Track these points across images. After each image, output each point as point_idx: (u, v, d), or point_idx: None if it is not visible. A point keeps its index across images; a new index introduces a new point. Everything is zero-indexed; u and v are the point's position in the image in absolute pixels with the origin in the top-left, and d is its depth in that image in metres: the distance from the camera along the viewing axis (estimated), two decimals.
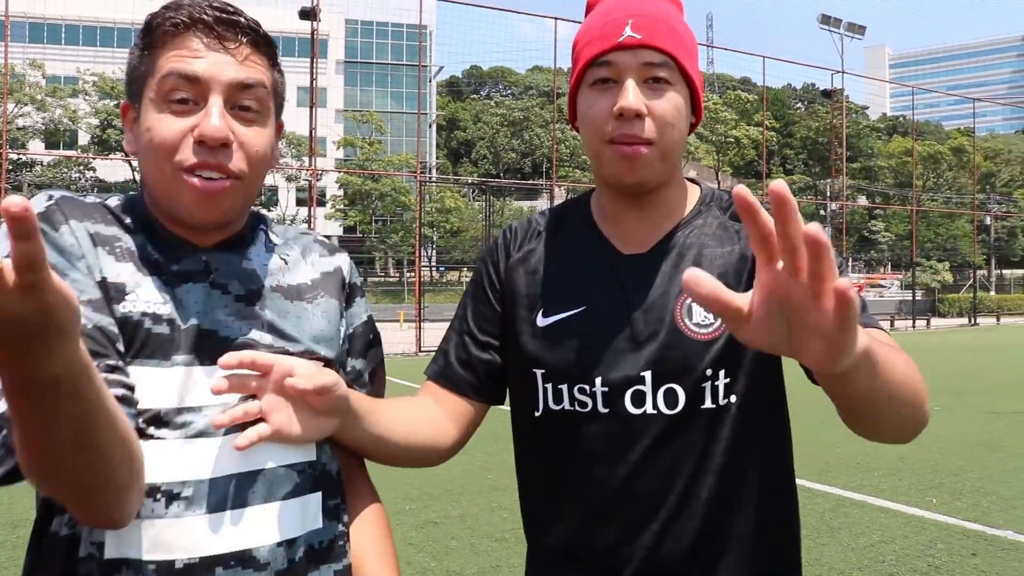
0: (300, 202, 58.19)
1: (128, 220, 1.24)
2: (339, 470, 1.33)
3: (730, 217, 1.45)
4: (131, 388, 1.11)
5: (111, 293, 1.15)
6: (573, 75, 1.43)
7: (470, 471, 7.80)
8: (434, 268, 57.94)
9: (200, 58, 1.19)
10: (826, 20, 41.03)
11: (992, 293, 57.73)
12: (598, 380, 1.36)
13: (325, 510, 1.27)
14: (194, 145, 1.18)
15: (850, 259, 69.79)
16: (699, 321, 1.34)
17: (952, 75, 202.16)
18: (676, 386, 1.33)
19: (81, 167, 49.80)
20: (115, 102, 48.93)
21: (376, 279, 63.51)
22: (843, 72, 38.79)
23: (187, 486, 1.13)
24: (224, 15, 1.21)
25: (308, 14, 24.85)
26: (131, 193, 1.31)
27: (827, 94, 40.49)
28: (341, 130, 64.13)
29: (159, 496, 1.12)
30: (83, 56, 58.06)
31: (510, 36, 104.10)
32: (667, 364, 1.33)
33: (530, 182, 53.16)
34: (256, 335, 1.24)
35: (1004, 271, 70.68)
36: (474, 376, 1.50)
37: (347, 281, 1.41)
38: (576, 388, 1.38)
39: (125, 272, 1.18)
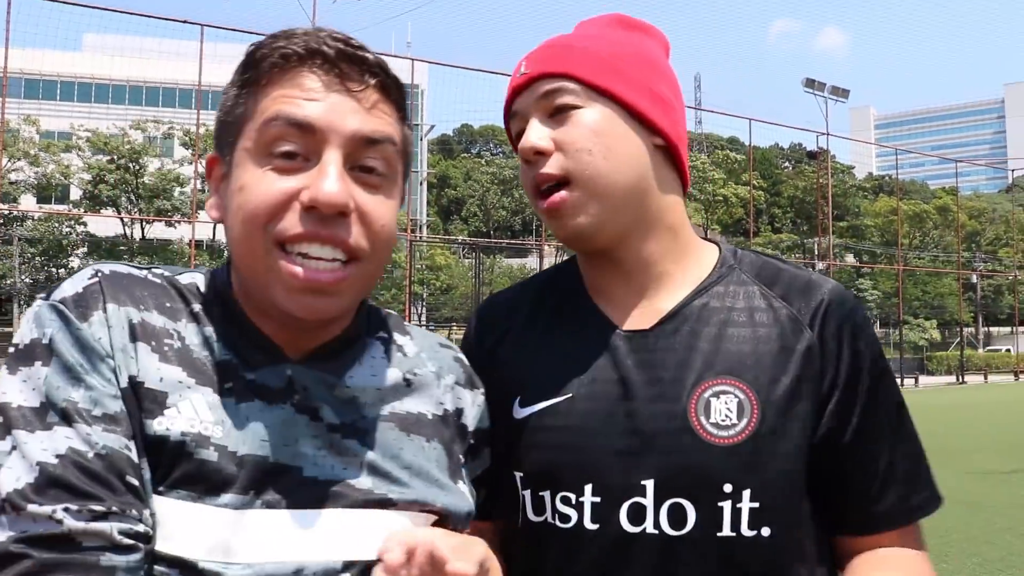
0: None
1: (197, 306, 0.98)
2: None
3: (760, 280, 1.17)
4: (135, 544, 0.84)
5: (145, 403, 0.89)
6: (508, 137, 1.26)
7: None
8: (424, 326, 58.01)
9: (316, 100, 0.92)
10: (811, 84, 41.85)
11: (980, 351, 58.02)
12: (587, 488, 1.09)
13: None
14: (301, 212, 0.91)
15: None
16: (718, 420, 1.07)
17: (936, 135, 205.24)
18: (685, 502, 1.06)
19: (72, 222, 49.91)
20: (108, 157, 49.26)
21: None
22: (828, 134, 39.48)
23: None
24: (349, 48, 0.95)
25: None
26: (216, 268, 1.07)
27: (812, 155, 41.20)
28: None
29: None
30: (77, 112, 58.56)
31: (501, 95, 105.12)
32: (674, 473, 1.06)
33: (519, 241, 53.52)
34: (350, 478, 0.96)
35: (991, 328, 71.12)
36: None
37: (474, 428, 1.13)
38: (559, 497, 1.11)
39: (171, 377, 0.92)
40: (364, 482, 0.97)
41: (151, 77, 62.82)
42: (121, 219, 50.48)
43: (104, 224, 51.82)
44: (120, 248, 51.41)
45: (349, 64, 0.95)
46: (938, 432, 16.57)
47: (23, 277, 49.23)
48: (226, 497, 0.89)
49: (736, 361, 1.09)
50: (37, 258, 49.87)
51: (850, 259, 67.88)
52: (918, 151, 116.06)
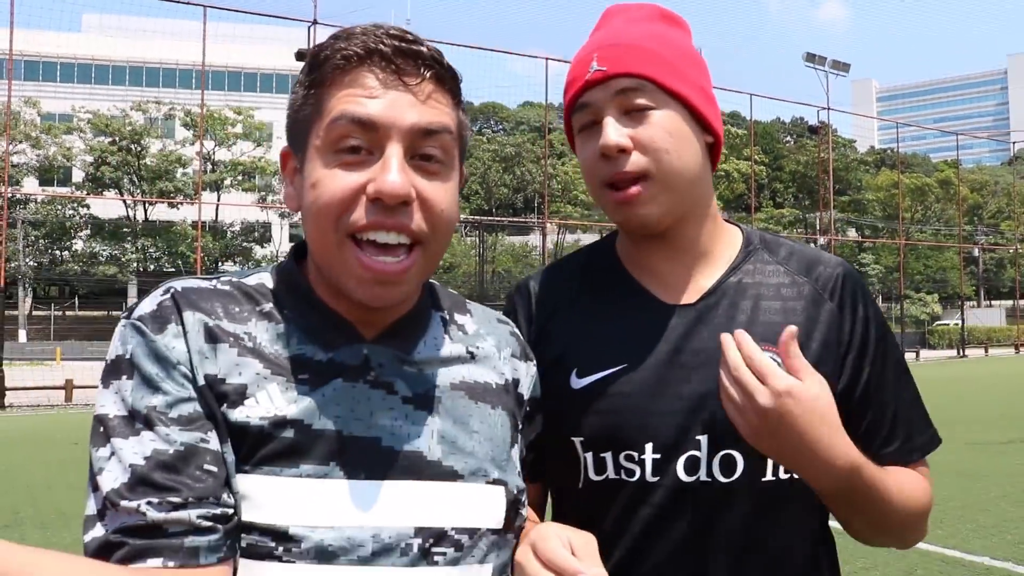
0: (293, 238, 58.45)
1: (268, 305, 1.07)
2: None
3: (776, 257, 1.34)
4: (222, 517, 0.95)
5: (227, 396, 0.99)
6: (565, 124, 1.37)
7: None
8: None
9: (376, 98, 1.00)
10: (811, 58, 41.68)
11: (981, 324, 58.22)
12: (648, 446, 1.22)
13: None
14: (367, 204, 1.00)
15: None
16: None
17: (938, 108, 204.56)
18: (735, 453, 1.21)
19: (75, 204, 50.03)
20: (109, 139, 49.29)
21: None
22: (828, 108, 39.43)
23: None
24: (404, 44, 1.02)
25: (304, 56, 25.28)
26: (283, 262, 1.15)
27: (813, 130, 41.07)
28: None
29: None
30: (77, 93, 58.56)
31: (502, 72, 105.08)
32: (725, 428, 1.16)
33: (522, 219, 53.59)
34: (423, 447, 1.05)
35: (993, 302, 71.22)
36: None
37: (528, 397, 1.23)
38: (623, 455, 1.24)
39: (249, 371, 1.01)
40: (435, 451, 1.05)
41: (151, 57, 62.66)
42: (124, 201, 50.56)
43: (107, 206, 51.95)
44: (124, 230, 51.53)
45: (405, 59, 1.01)
46: (938, 405, 16.76)
47: (27, 260, 49.42)
48: (306, 468, 0.98)
49: (770, 330, 1.23)
50: (41, 241, 50.03)
51: (852, 233, 67.90)
52: (919, 124, 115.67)
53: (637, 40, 1.24)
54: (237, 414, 0.99)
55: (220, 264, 51.24)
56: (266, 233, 56.05)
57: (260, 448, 0.98)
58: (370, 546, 0.99)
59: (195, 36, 26.43)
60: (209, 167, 49.95)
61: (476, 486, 1.06)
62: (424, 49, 1.03)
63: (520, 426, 1.19)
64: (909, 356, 39.10)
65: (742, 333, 1.11)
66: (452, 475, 1.05)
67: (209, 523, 0.93)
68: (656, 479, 1.22)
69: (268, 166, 52.34)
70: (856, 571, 5.78)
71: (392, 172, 0.98)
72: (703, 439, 1.22)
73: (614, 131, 1.21)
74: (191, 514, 0.92)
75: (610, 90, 1.22)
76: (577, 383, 1.28)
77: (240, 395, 1.00)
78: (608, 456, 1.25)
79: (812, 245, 1.39)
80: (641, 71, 1.21)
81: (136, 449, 0.94)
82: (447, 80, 1.06)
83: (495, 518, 1.07)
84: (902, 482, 1.24)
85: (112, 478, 0.93)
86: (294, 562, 0.97)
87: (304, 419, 1.00)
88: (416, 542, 1.01)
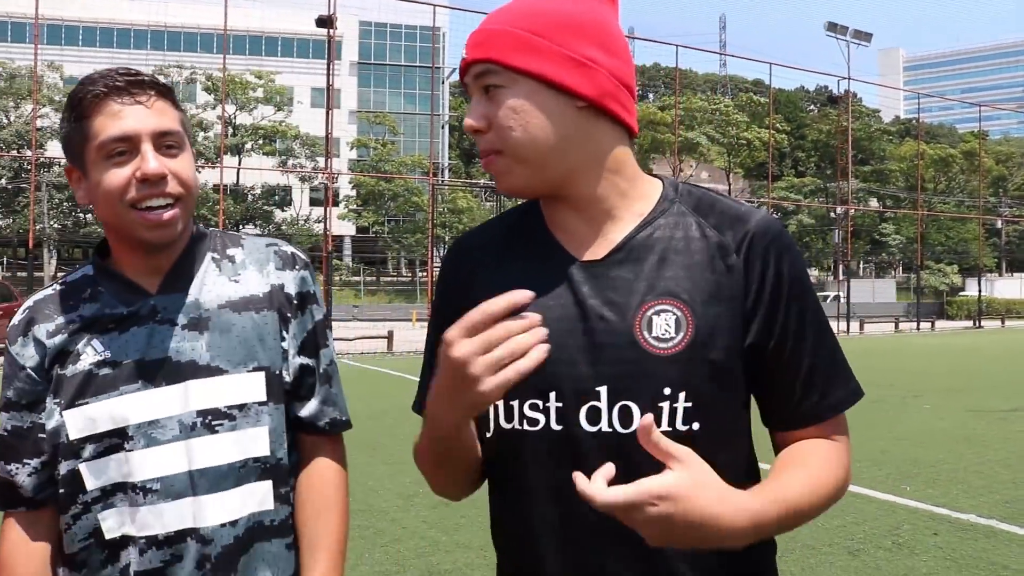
0: (314, 202, 58.74)
1: (88, 291, 1.55)
2: (296, 461, 1.60)
3: (698, 212, 1.35)
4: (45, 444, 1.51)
5: (63, 363, 1.50)
6: None
7: None
8: None
9: (124, 118, 1.45)
10: (833, 27, 41.22)
11: (1003, 296, 57.89)
12: (552, 395, 1.28)
13: (276, 495, 1.54)
14: (137, 184, 1.45)
15: (860, 262, 69.87)
16: (659, 334, 1.26)
17: (966, 78, 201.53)
18: (631, 404, 1.24)
19: None
20: None
21: (389, 279, 63.88)
22: (849, 78, 39.12)
23: (155, 482, 1.46)
24: (131, 77, 1.48)
25: (325, 22, 25.39)
26: (93, 257, 1.62)
27: (834, 100, 40.80)
28: (354, 131, 64.70)
29: (137, 491, 1.45)
30: (100, 57, 58.84)
31: None
32: (623, 380, 1.24)
33: None
34: (197, 355, 1.50)
35: (1015, 274, 70.71)
36: None
37: (295, 293, 1.62)
38: (528, 404, 1.30)
39: (78, 341, 1.51)
40: (205, 357, 1.51)
41: (173, 22, 62.82)
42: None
43: None
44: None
45: (134, 87, 1.47)
46: (944, 373, 16.89)
47: (52, 222, 49.96)
48: (125, 387, 1.48)
49: (674, 284, 1.28)
50: (64, 203, 50.53)
51: (873, 203, 67.43)
52: (944, 95, 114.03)
53: (497, 23, 1.31)
54: (73, 367, 1.49)
55: (241, 227, 51.65)
56: (287, 196, 56.45)
57: (91, 383, 1.47)
58: (174, 427, 1.47)
59: (215, 0, 26.50)
60: (230, 131, 50.19)
61: (239, 375, 1.52)
62: (146, 78, 1.49)
63: (291, 316, 1.60)
64: (924, 327, 39.06)
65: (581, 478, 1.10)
66: (219, 371, 1.51)
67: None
68: (560, 428, 1.28)
69: (289, 130, 52.62)
70: (845, 524, 6.01)
71: (149, 161, 1.45)
72: (602, 390, 1.26)
73: (471, 113, 1.32)
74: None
75: (471, 74, 1.32)
76: None
77: (76, 356, 1.50)
78: (516, 404, 1.30)
79: (745, 203, 1.39)
80: (487, 55, 1.29)
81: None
82: (166, 93, 1.51)
83: (258, 394, 1.53)
84: (812, 483, 1.25)
85: None
86: (132, 450, 1.46)
87: (115, 357, 1.49)
88: (199, 420, 1.49)
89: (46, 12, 48.34)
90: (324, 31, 25.75)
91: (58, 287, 1.59)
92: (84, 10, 60.12)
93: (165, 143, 1.48)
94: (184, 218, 1.52)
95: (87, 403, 1.47)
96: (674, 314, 1.26)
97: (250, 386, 1.53)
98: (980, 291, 44.80)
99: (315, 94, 59.84)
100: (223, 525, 1.48)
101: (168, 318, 1.52)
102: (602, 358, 1.26)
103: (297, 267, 1.65)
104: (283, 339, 1.59)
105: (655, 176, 1.42)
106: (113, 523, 1.46)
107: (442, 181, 57.16)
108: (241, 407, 1.51)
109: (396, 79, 73.74)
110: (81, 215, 51.21)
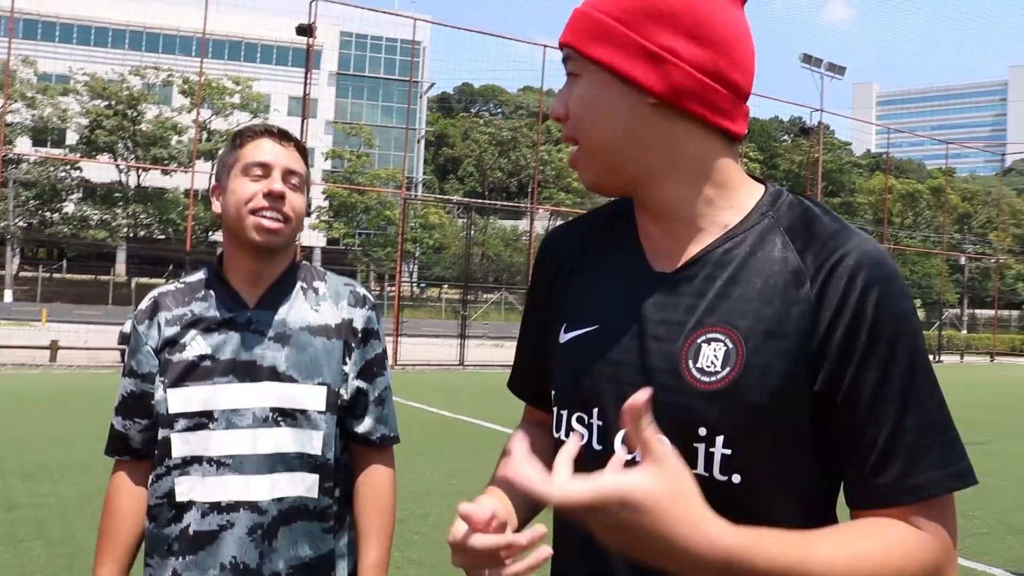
0: None
1: (201, 293, 1.94)
2: (345, 463, 1.98)
3: (789, 230, 1.16)
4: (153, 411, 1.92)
5: (173, 351, 1.88)
6: None
7: (436, 476, 8.43)
8: (415, 284, 58.28)
9: (268, 151, 1.91)
10: (807, 59, 41.84)
11: (963, 332, 58.65)
12: (595, 411, 1.18)
13: (321, 488, 1.88)
14: (263, 196, 1.87)
15: None
16: (704, 366, 1.10)
17: (937, 115, 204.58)
18: (666, 438, 1.02)
19: (68, 167, 49.93)
20: (106, 103, 49.17)
21: None
22: (822, 110, 39.67)
23: (228, 458, 1.83)
24: (279, 129, 1.98)
25: (305, 30, 25.35)
26: (212, 263, 2.01)
27: (805, 132, 41.25)
28: (330, 141, 64.53)
29: (212, 463, 1.82)
30: (76, 55, 58.25)
31: (502, 55, 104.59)
32: (659, 410, 1.02)
33: (513, 203, 53.66)
34: (279, 363, 1.88)
35: (976, 311, 71.75)
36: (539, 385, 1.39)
37: (360, 328, 1.99)
38: (575, 417, 1.21)
39: (186, 334, 1.89)
40: (283, 365, 1.87)
41: (151, 22, 62.40)
42: (117, 166, 50.49)
43: (100, 170, 51.88)
44: (115, 195, 51.45)
45: (281, 136, 1.95)
46: None
47: (17, 220, 49.36)
48: (218, 379, 1.86)
49: (734, 311, 1.12)
50: (31, 201, 49.94)
51: None
52: (915, 131, 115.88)
53: (587, 3, 1.21)
54: (180, 355, 1.88)
55: (210, 233, 51.28)
56: None
57: (192, 371, 1.86)
58: (249, 417, 1.84)
59: (195, 2, 26.38)
60: (205, 136, 49.89)
61: (307, 385, 1.88)
62: (289, 131, 1.97)
63: (355, 347, 1.97)
64: None
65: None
66: (292, 379, 1.88)
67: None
68: (600, 448, 1.17)
69: None
70: None
71: (277, 183, 1.89)
72: None
73: (556, 100, 1.24)
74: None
75: (564, 59, 1.23)
76: (563, 337, 1.27)
77: (183, 346, 1.89)
78: (565, 414, 1.23)
79: (855, 227, 1.16)
80: (567, 39, 1.20)
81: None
82: (302, 149, 1.99)
83: (319, 404, 1.88)
84: (850, 557, 0.97)
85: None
86: (215, 430, 1.83)
87: (214, 353, 1.87)
88: (270, 415, 1.85)
89: (23, 6, 47.94)
90: (304, 39, 25.71)
91: (179, 284, 2.01)
92: (62, 6, 59.56)
93: (291, 179, 1.92)
94: (287, 236, 1.92)
95: (187, 386, 1.86)
96: (725, 345, 1.10)
97: (314, 396, 1.88)
98: (941, 327, 45.37)
99: (293, 102, 59.60)
100: (274, 500, 1.83)
101: (260, 329, 1.90)
102: (645, 382, 1.11)
103: (366, 307, 2.03)
104: (345, 363, 1.95)
105: (761, 182, 1.25)
106: (185, 488, 1.82)
107: (415, 196, 57.02)
108: (304, 412, 1.87)
109: (374, 91, 73.60)
110: (48, 214, 50.61)
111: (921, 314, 56.65)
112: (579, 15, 1.21)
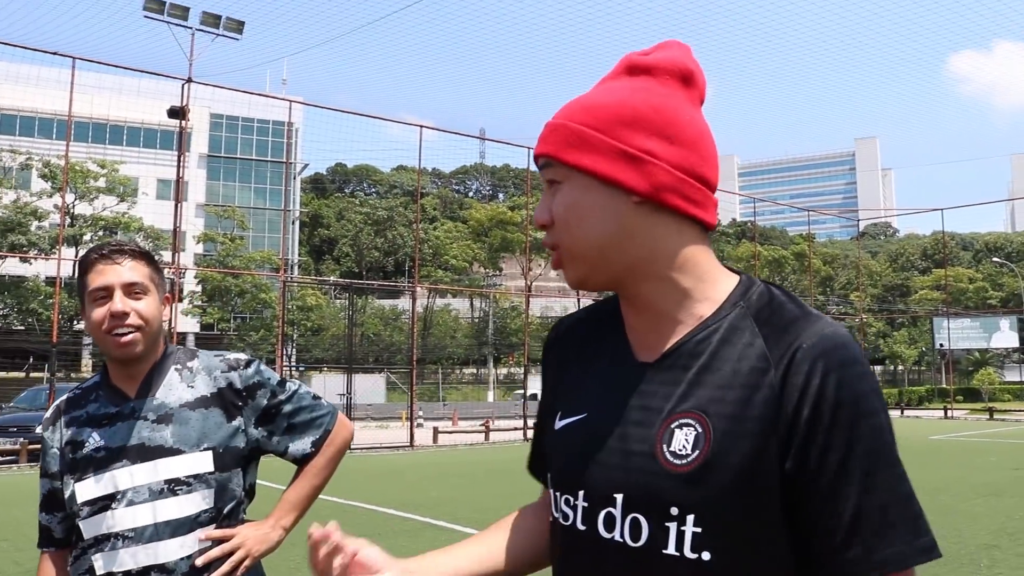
0: None
1: (93, 395, 2.22)
2: (250, 487, 2.28)
3: (757, 318, 1.22)
4: (66, 502, 2.17)
5: (74, 449, 2.15)
6: None
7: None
8: (293, 367, 57.00)
9: (105, 274, 2.14)
10: None
11: None
12: (581, 493, 1.26)
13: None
14: (109, 318, 2.13)
15: None
16: (676, 449, 1.17)
17: (795, 184, 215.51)
18: (641, 517, 1.18)
19: None
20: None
21: None
22: None
23: (131, 531, 2.08)
24: (114, 247, 2.19)
25: (177, 112, 24.82)
26: (102, 367, 2.28)
27: None
28: (201, 224, 63.10)
29: (118, 538, 2.07)
30: None
31: (376, 135, 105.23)
32: (637, 491, 1.18)
33: (391, 283, 53.43)
34: (164, 441, 2.12)
35: None
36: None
37: (242, 387, 2.25)
38: (564, 498, 1.29)
39: (83, 433, 2.16)
40: (170, 442, 2.13)
41: (7, 104, 60.22)
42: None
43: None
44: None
45: (116, 254, 2.17)
46: None
47: None
48: (114, 465, 2.11)
49: (705, 397, 1.18)
50: None
51: None
52: (776, 200, 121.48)
53: (560, 116, 1.28)
54: (80, 452, 2.15)
55: (76, 322, 49.11)
56: None
57: (91, 463, 2.12)
58: (146, 492, 2.09)
59: (56, 83, 25.48)
60: (68, 221, 48.09)
61: (194, 454, 2.13)
62: (127, 248, 2.19)
63: (242, 404, 2.24)
64: None
65: None
66: (179, 451, 2.13)
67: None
68: (584, 528, 1.24)
69: (132, 222, 50.72)
70: None
71: (117, 303, 2.13)
72: (619, 497, 1.20)
73: (538, 209, 1.30)
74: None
75: (539, 167, 1.31)
76: (557, 425, 1.36)
77: (81, 444, 2.16)
78: (558, 495, 1.31)
79: (821, 314, 1.23)
80: (544, 150, 1.28)
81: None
82: (141, 256, 2.21)
83: (207, 467, 2.14)
84: None
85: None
86: (116, 508, 2.09)
87: (108, 444, 2.13)
88: (165, 487, 2.10)
89: None
90: (174, 122, 25.17)
91: (77, 390, 2.28)
92: None
93: (133, 291, 2.15)
94: (144, 342, 2.17)
95: (89, 476, 2.12)
96: (695, 429, 1.16)
97: (202, 461, 2.14)
98: None
99: (161, 186, 58.32)
100: (181, 559, 2.08)
101: (143, 415, 2.16)
102: (624, 465, 1.21)
103: (240, 367, 2.28)
104: (232, 422, 2.21)
105: (737, 273, 1.31)
106: (101, 563, 2.08)
107: (291, 277, 56.15)
108: (197, 475, 2.13)
109: (247, 173, 72.61)
110: None
111: None
112: (555, 127, 1.27)
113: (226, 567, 2.13)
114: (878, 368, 75.05)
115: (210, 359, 2.29)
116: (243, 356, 2.32)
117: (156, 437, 2.12)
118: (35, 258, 44.38)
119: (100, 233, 50.86)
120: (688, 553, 1.13)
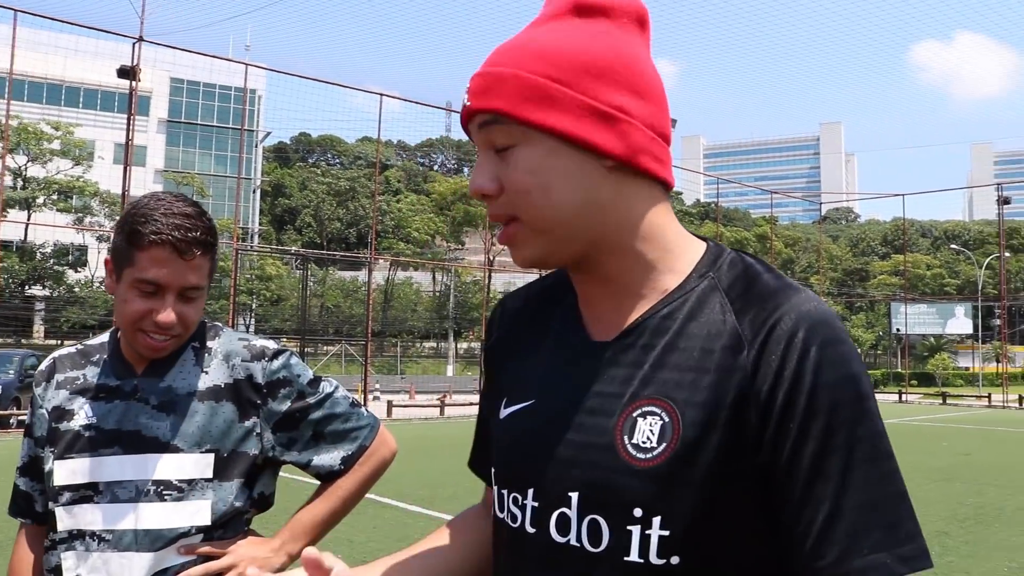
0: None
1: (96, 357, 1.87)
2: (246, 512, 1.84)
3: (729, 291, 1.07)
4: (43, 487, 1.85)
5: (60, 417, 1.80)
6: None
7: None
8: None
9: (164, 268, 1.70)
10: None
11: None
12: (531, 492, 1.10)
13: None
14: (152, 323, 1.73)
15: None
16: (639, 441, 1.02)
17: (760, 167, 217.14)
18: (600, 519, 1.02)
19: None
20: None
21: None
22: None
23: (108, 533, 1.72)
24: (188, 236, 1.71)
25: (127, 72, 24.10)
26: (114, 328, 1.90)
27: None
28: (160, 190, 61.92)
29: (94, 538, 1.72)
30: None
31: (341, 105, 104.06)
32: (595, 489, 1.03)
33: (352, 254, 52.89)
34: (160, 433, 1.75)
35: None
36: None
37: (264, 383, 1.84)
38: (511, 497, 1.13)
39: (75, 401, 1.81)
40: (167, 435, 1.75)
41: None
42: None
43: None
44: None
45: (185, 244, 1.70)
46: None
47: None
48: (102, 451, 1.76)
49: (671, 382, 1.02)
50: None
51: None
52: (741, 182, 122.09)
53: (505, 63, 1.06)
54: (66, 424, 1.80)
55: (27, 287, 48.08)
56: (82, 256, 53.06)
57: (77, 441, 1.77)
58: (132, 490, 1.72)
59: (5, 41, 24.63)
60: (20, 184, 46.94)
61: (192, 454, 1.75)
62: (199, 234, 1.72)
63: (261, 403, 1.83)
64: None
65: None
66: (177, 448, 1.75)
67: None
68: (534, 531, 1.08)
69: (87, 186, 49.64)
70: None
71: (167, 312, 1.72)
72: (574, 496, 1.04)
73: (478, 175, 1.08)
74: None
75: (475, 125, 1.08)
76: (503, 413, 1.18)
77: (70, 414, 1.81)
78: (505, 493, 1.14)
79: (799, 284, 1.08)
80: (493, 104, 1.05)
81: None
82: (210, 247, 1.76)
83: (206, 472, 1.75)
84: None
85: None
86: (99, 503, 1.73)
87: (99, 423, 1.78)
88: (152, 488, 1.73)
89: None
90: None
91: (79, 347, 1.93)
92: None
93: (188, 294, 1.75)
94: (176, 345, 1.80)
95: (72, 458, 1.77)
96: (661, 419, 1.01)
97: (201, 465, 1.75)
98: None
99: (119, 149, 56.90)
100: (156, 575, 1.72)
101: (144, 398, 1.79)
102: (580, 460, 1.05)
103: (266, 358, 1.85)
104: (245, 422, 1.81)
105: (704, 240, 1.15)
106: (71, 563, 1.73)
107: (250, 247, 55.42)
108: (191, 481, 1.74)
109: (207, 140, 71.44)
110: None
111: None
112: (503, 77, 1.06)
113: None
114: None
115: (232, 342, 1.87)
116: (272, 344, 1.90)
117: (153, 426, 1.75)
118: None
119: (54, 196, 49.77)
120: (654, 559, 0.99)
